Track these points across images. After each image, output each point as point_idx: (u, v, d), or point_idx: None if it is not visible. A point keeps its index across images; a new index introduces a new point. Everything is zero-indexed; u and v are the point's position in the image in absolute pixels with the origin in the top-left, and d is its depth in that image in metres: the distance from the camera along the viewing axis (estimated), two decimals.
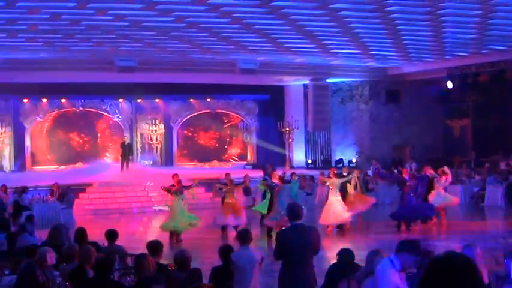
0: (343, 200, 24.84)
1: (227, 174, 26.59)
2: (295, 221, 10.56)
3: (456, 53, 33.63)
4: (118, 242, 14.05)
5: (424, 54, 34.53)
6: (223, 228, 24.50)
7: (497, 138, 36.96)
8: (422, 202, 25.54)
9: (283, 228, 11.54)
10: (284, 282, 10.55)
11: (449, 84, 35.78)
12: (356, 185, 26.01)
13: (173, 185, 23.68)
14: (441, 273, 3.55)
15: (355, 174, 26.00)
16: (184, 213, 23.37)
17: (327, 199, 25.12)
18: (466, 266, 3.58)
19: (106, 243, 13.67)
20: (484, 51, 32.58)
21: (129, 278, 11.12)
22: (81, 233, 13.72)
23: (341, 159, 40.53)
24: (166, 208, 27.83)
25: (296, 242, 10.35)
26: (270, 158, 40.12)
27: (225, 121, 43.86)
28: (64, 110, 40.63)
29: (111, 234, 13.78)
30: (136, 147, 41.47)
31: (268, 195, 24.13)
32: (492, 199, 31.74)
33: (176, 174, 24.47)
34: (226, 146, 43.97)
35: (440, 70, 35.94)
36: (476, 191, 32.95)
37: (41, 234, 16.95)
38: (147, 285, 9.96)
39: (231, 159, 43.54)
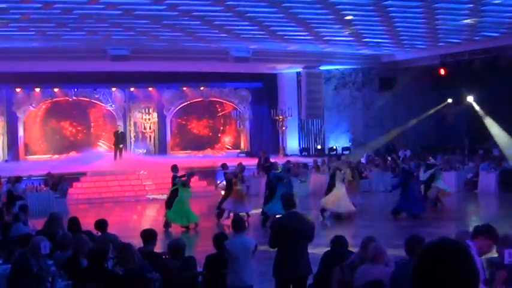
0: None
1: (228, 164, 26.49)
2: (289, 209, 10.60)
3: (449, 40, 33.62)
4: (112, 231, 14.02)
5: (417, 41, 34.48)
6: (220, 215, 24.46)
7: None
8: (423, 195, 25.61)
9: (278, 216, 11.55)
10: (279, 270, 10.68)
11: (442, 71, 35.71)
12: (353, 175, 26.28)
13: (178, 177, 23.61)
14: (434, 260, 3.45)
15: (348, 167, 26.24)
16: (190, 207, 23.40)
17: (329, 187, 24.99)
18: (459, 252, 3.48)
19: (100, 233, 13.58)
20: (477, 38, 32.54)
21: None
22: (74, 222, 13.79)
23: (334, 146, 40.49)
24: (162, 197, 27.85)
25: (291, 229, 10.45)
26: (264, 146, 40.27)
27: (219, 109, 43.74)
28: (57, 99, 40.45)
29: (101, 224, 13.65)
30: (130, 136, 41.37)
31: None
32: (485, 186, 31.83)
33: (176, 165, 24.35)
34: (219, 135, 43.85)
35: (433, 57, 35.88)
36: (470, 177, 32.98)
37: (35, 224, 16.99)
38: (139, 274, 10.02)
39: (224, 148, 43.42)
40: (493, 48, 32.54)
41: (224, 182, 30.65)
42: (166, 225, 22.96)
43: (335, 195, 24.49)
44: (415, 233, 10.68)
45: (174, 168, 24.09)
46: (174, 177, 23.76)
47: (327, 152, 40.03)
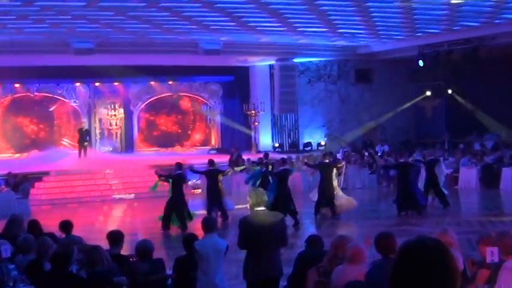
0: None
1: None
2: (258, 208, 10.57)
3: (427, 30, 33.54)
4: (77, 233, 13.64)
5: (393, 31, 34.35)
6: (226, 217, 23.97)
7: (471, 119, 36.89)
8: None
9: (246, 215, 11.36)
10: (248, 272, 10.63)
11: (421, 63, 35.43)
12: None
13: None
14: (412, 259, 3.42)
15: None
16: None
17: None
18: (438, 251, 3.45)
19: (64, 235, 13.19)
20: (457, 28, 32.44)
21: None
22: (34, 225, 13.58)
23: (309, 142, 40.29)
24: (129, 197, 27.19)
25: (260, 229, 10.41)
26: (235, 142, 39.90)
27: (188, 104, 42.94)
28: (18, 95, 39.68)
29: (66, 226, 13.19)
30: (95, 133, 40.79)
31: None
32: (466, 181, 31.76)
33: (180, 163, 23.91)
34: (189, 132, 43.20)
35: (411, 48, 35.66)
36: (450, 172, 32.44)
37: None
38: (105, 278, 9.88)
39: (194, 145, 42.67)
40: (473, 39, 32.48)
41: (195, 181, 30.12)
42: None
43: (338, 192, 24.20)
44: (395, 230, 11.24)
45: (179, 165, 23.51)
46: (178, 175, 23.07)
47: (301, 147, 39.83)
